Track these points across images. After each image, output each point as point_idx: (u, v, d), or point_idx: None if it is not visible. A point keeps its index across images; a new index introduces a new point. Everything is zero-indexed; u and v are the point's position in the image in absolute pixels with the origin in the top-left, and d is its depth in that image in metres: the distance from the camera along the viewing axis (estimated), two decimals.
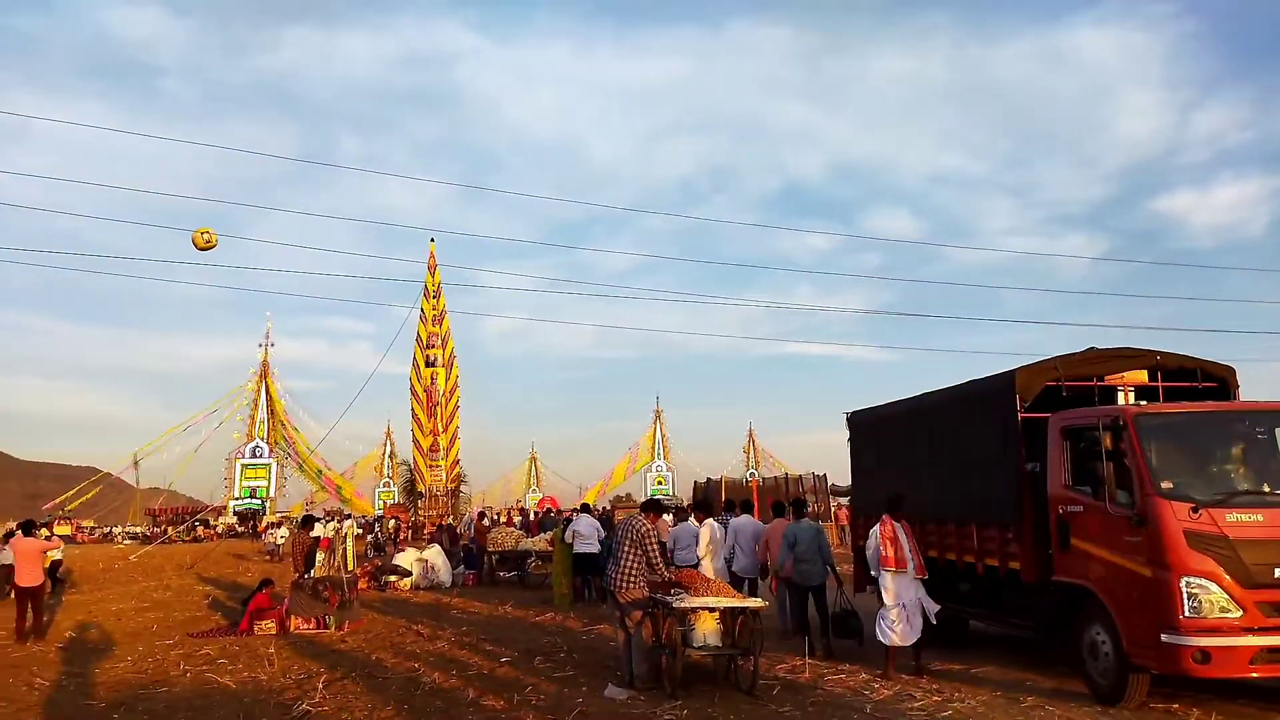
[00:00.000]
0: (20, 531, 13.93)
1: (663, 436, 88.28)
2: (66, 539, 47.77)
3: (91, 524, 66.78)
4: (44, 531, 24.77)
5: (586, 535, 15.26)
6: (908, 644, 8.30)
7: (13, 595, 12.91)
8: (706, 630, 8.08)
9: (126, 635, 12.60)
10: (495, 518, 41.51)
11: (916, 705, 7.26)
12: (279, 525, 38.40)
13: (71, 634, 12.81)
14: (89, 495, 68.57)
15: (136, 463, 66.22)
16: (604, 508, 35.18)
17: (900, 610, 8.27)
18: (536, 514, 38.52)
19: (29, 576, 12.48)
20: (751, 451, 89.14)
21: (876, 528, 8.59)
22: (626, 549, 8.17)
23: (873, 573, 8.76)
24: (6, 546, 15.90)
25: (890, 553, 8.33)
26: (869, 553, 8.85)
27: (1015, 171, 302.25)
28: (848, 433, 12.45)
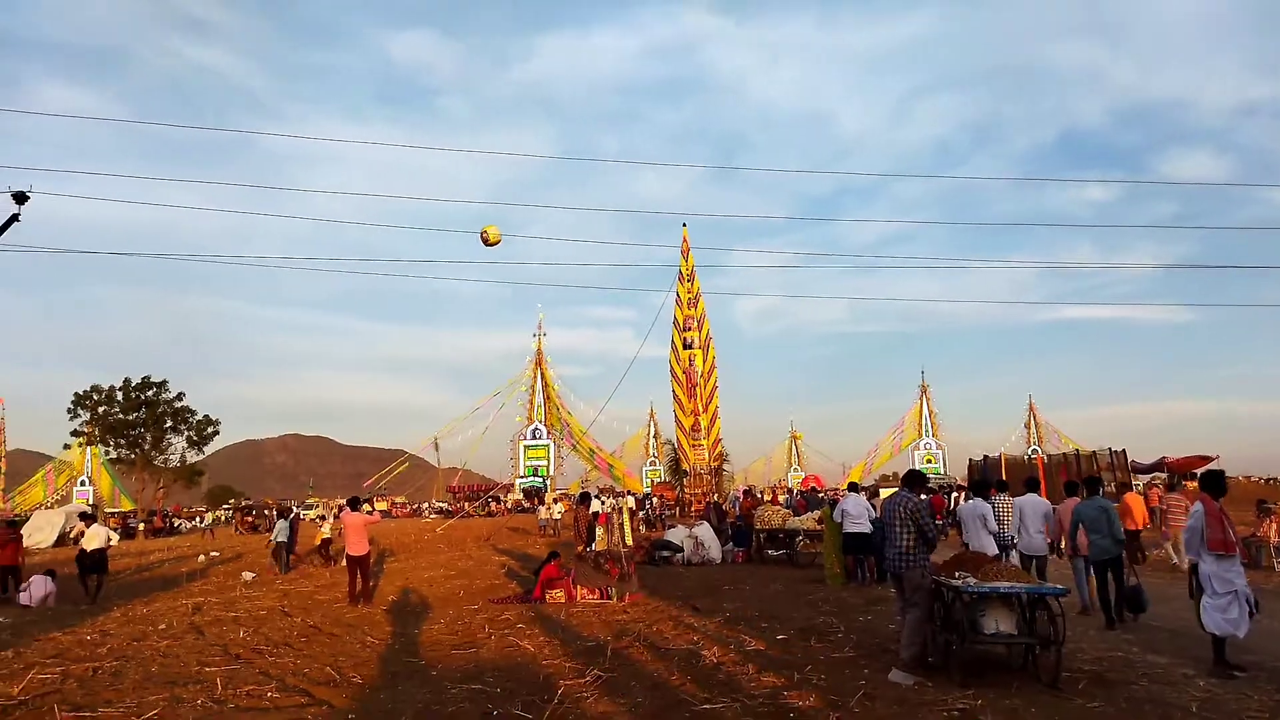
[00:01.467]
0: (348, 507, 15.96)
1: (930, 412, 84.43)
2: (384, 514, 53.97)
3: (403, 500, 75.25)
4: (366, 507, 28.14)
5: (856, 515, 14.89)
6: (1240, 635, 7.38)
7: (343, 562, 14.81)
8: (999, 616, 7.57)
9: (438, 600, 14.01)
10: (759, 496, 41.75)
11: (1252, 705, 6.37)
12: (555, 502, 41.08)
13: (394, 598, 14.43)
14: (398, 473, 77.15)
15: (436, 445, 73.63)
16: (870, 485, 34.27)
17: (1233, 598, 7.36)
18: (800, 492, 38.21)
19: (357, 546, 14.21)
20: (1033, 426, 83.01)
21: (1198, 505, 7.68)
22: (898, 528, 7.86)
23: (1189, 556, 7.96)
24: (326, 521, 18.43)
25: (1219, 535, 7.41)
26: (1186, 534, 7.96)
27: None
28: None
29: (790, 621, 10.80)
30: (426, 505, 70.34)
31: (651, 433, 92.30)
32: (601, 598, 13.08)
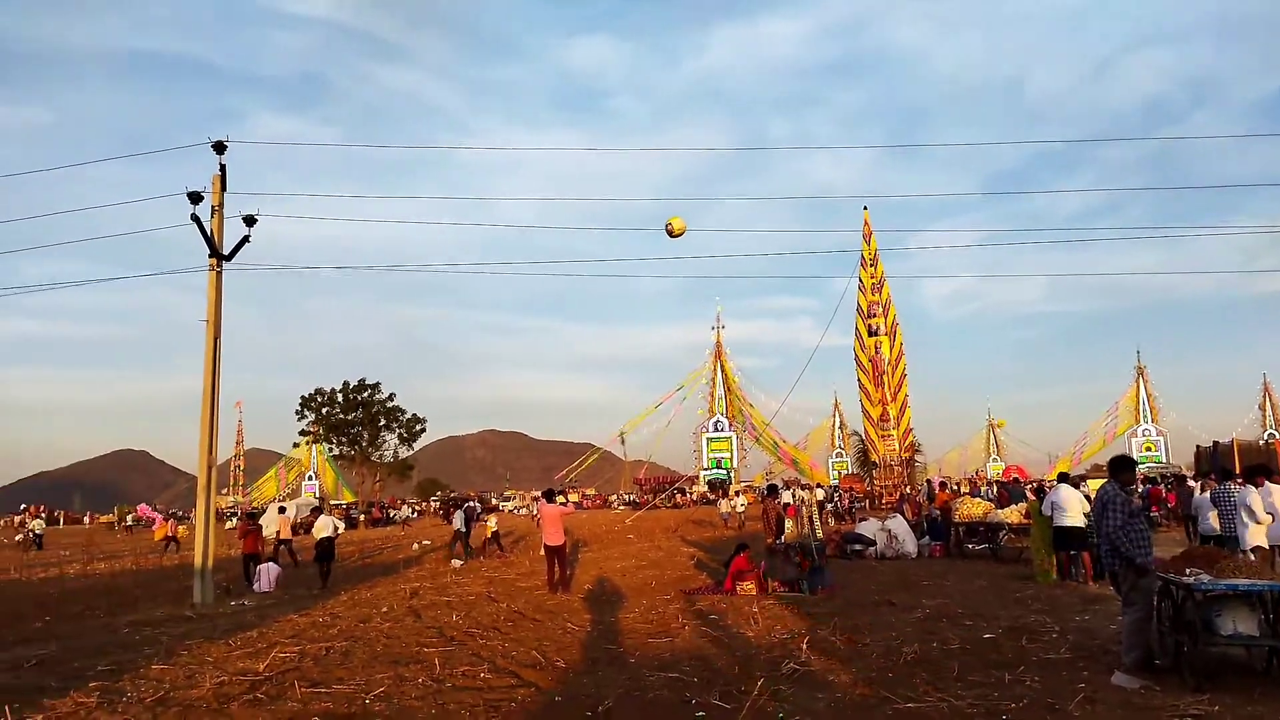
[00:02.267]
0: (544, 499, 16.63)
1: (1148, 395, 77.69)
2: (575, 505, 55.75)
3: (593, 492, 77.60)
4: (561, 498, 29.25)
5: (1068, 508, 13.91)
6: None
7: (542, 552, 15.43)
8: (1238, 616, 6.86)
9: (632, 590, 14.34)
10: (956, 487, 39.90)
11: None
12: (737, 494, 40.88)
13: (589, 587, 14.91)
14: (587, 466, 79.61)
15: (622, 439, 75.40)
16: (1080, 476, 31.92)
17: None
18: (1001, 484, 36.24)
19: (554, 537, 14.76)
20: (1269, 409, 74.72)
21: None
22: (1108, 521, 7.25)
23: None
24: (492, 515, 19.25)
25: None
26: None
27: None
28: None
29: (997, 620, 10.26)
30: (615, 497, 72.23)
31: (837, 423, 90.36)
32: (793, 590, 12.95)
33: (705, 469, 71.55)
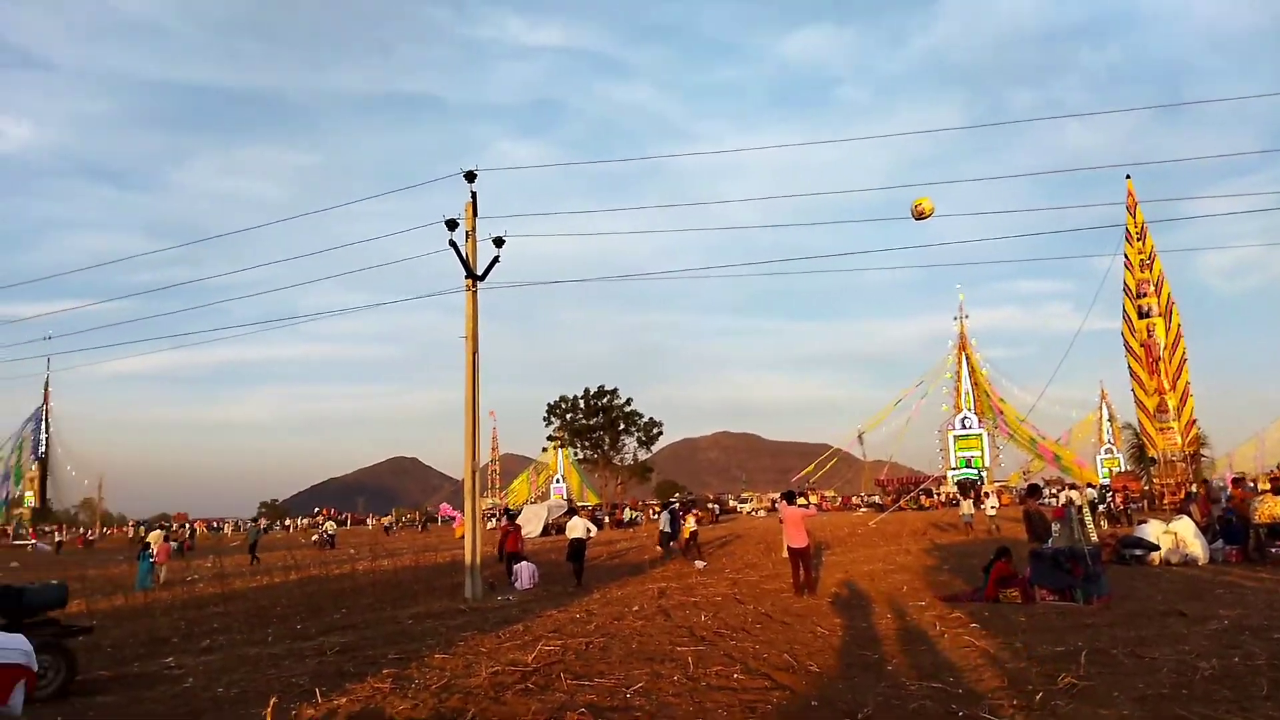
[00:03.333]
0: (784, 500, 16.48)
1: None
2: (817, 508, 54.83)
3: (832, 494, 76.12)
4: (802, 500, 28.90)
5: None
6: None
7: (785, 554, 15.29)
8: None
9: (881, 595, 13.86)
10: (1253, 484, 35.30)
11: None
12: (986, 496, 38.26)
13: (836, 590, 14.59)
14: (826, 469, 78.15)
15: (861, 438, 73.34)
16: None
17: None
18: None
19: (797, 539, 14.57)
20: None
21: None
22: None
23: None
24: (690, 515, 19.04)
25: None
26: None
27: None
28: None
29: None
30: (857, 498, 70.37)
31: (1105, 416, 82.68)
32: (1064, 599, 11.96)
33: (953, 469, 67.98)
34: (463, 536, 20.12)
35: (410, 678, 8.49)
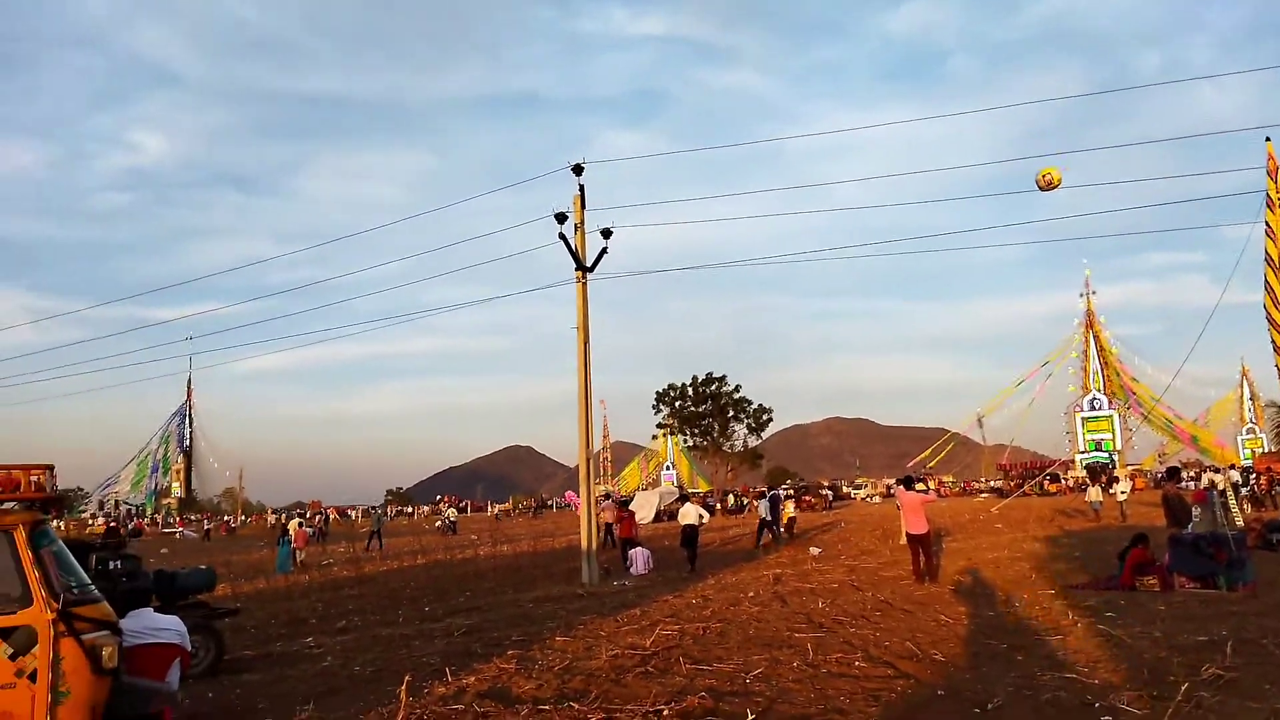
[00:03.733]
0: (902, 486, 16.14)
1: None
2: (935, 493, 53.39)
3: (950, 479, 73.90)
4: (921, 486, 28.20)
5: None
6: None
7: (904, 541, 14.97)
8: None
9: (1007, 582, 13.41)
10: None
11: None
12: (1115, 480, 36.33)
13: (959, 578, 14.19)
14: (943, 454, 75.90)
15: (980, 421, 70.87)
16: None
17: None
18: None
19: (916, 525, 14.25)
20: None
21: None
22: None
23: None
24: (790, 501, 18.69)
25: None
26: None
27: None
28: None
29: None
30: (979, 483, 68.10)
31: (1246, 394, 77.41)
32: (1206, 587, 11.32)
33: (1082, 452, 64.95)
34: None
35: (533, 659, 8.74)
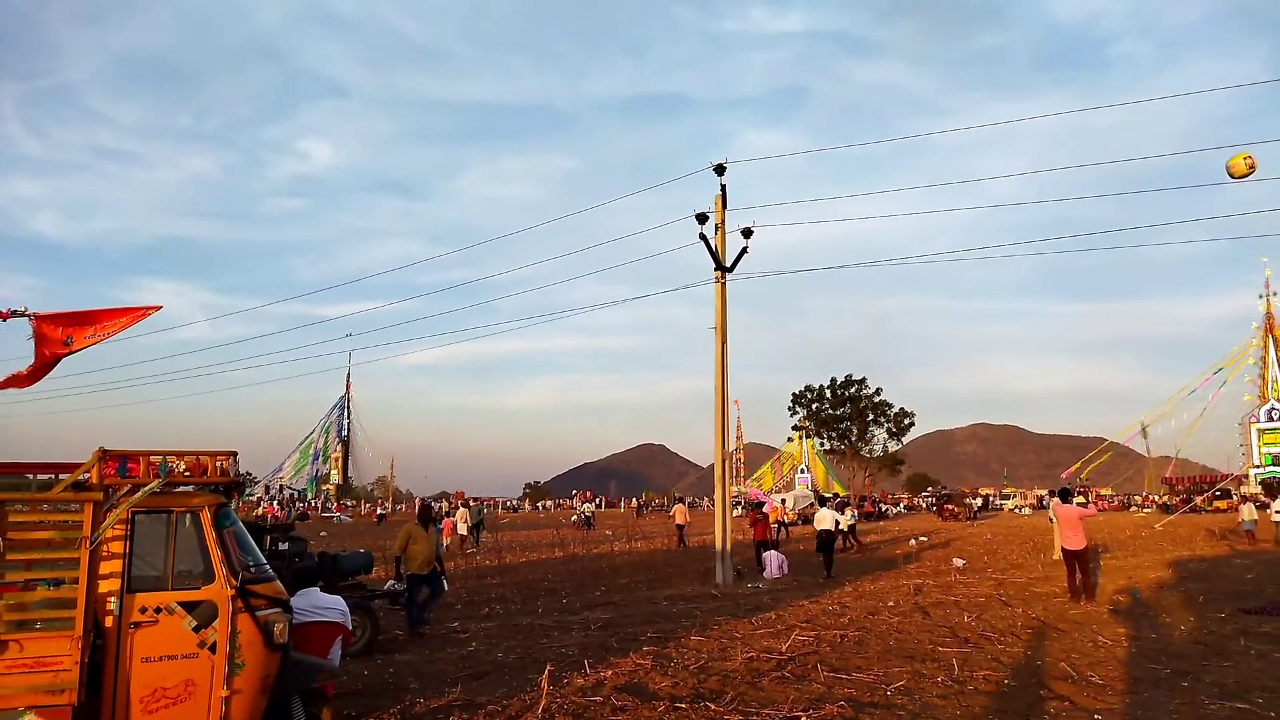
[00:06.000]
0: (1058, 499, 15.35)
1: None
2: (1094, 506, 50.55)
3: (1109, 492, 69.49)
4: (1079, 499, 26.68)
5: None
6: None
7: (1059, 556, 14.21)
8: None
9: (1171, 603, 12.55)
10: None
11: None
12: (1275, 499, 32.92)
13: (1119, 597, 13.37)
14: (1099, 463, 71.39)
15: (1144, 431, 66.18)
16: None
17: None
18: None
19: (1073, 540, 13.51)
20: None
21: None
22: None
23: None
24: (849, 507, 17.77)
25: None
26: None
27: None
28: None
29: None
30: (1143, 497, 63.78)
31: None
32: None
33: (1257, 466, 59.73)
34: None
35: (669, 656, 8.82)
